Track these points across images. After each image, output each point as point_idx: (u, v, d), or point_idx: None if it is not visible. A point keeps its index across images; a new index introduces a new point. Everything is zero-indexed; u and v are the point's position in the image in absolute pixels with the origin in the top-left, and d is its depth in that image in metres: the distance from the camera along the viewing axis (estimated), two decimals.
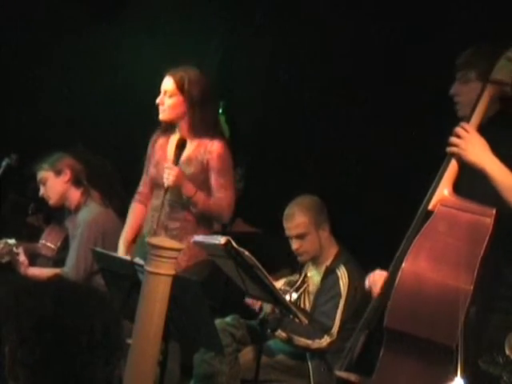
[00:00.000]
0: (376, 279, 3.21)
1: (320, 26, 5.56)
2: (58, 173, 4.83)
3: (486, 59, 3.17)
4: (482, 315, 3.05)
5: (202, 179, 4.35)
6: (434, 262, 2.95)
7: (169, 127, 4.45)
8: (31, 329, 1.72)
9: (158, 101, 4.37)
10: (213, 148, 4.33)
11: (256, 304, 4.58)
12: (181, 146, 4.25)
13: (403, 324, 2.94)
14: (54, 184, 4.84)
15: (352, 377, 3.12)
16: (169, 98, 4.34)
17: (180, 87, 4.31)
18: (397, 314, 2.95)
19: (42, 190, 4.89)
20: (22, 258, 4.87)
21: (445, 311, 2.85)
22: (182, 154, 4.26)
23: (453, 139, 3.10)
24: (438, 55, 4.81)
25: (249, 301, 4.53)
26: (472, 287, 2.87)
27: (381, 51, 5.26)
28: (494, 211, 2.99)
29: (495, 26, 4.40)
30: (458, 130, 3.11)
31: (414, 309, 2.94)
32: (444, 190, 3.09)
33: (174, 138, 4.41)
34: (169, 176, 4.20)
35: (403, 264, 2.97)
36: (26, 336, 1.72)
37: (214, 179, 4.35)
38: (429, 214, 3.07)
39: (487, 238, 2.94)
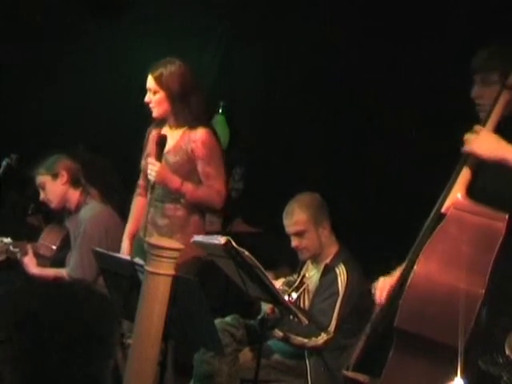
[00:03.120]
0: (381, 286, 3.22)
1: (320, 25, 5.57)
2: (55, 176, 4.84)
3: (508, 61, 3.16)
4: (491, 317, 3.04)
5: (187, 169, 4.38)
6: (446, 265, 2.95)
7: (161, 121, 4.52)
8: (13, 326, 1.74)
9: (146, 99, 4.44)
10: (196, 136, 4.37)
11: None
12: (161, 142, 4.30)
13: (413, 325, 2.94)
14: (53, 187, 4.85)
15: (360, 377, 3.12)
16: (153, 95, 4.41)
17: (160, 83, 4.38)
18: (407, 315, 2.96)
19: (41, 195, 4.90)
20: (31, 257, 4.89)
21: (455, 314, 2.84)
22: (163, 151, 4.30)
23: (467, 138, 3.09)
24: (437, 57, 4.82)
25: (269, 310, 4.48)
26: (483, 291, 2.87)
27: (379, 50, 5.25)
28: (507, 216, 2.98)
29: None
30: (471, 134, 3.10)
31: (424, 310, 2.94)
32: (457, 194, 3.09)
33: (167, 131, 4.46)
34: (151, 172, 4.27)
35: (415, 266, 2.97)
36: (10, 333, 1.73)
37: (201, 168, 4.38)
38: (441, 216, 3.07)
39: (499, 242, 2.94)
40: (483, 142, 3.06)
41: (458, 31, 4.74)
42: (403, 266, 3.15)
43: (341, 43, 5.45)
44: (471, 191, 3.12)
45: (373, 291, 3.29)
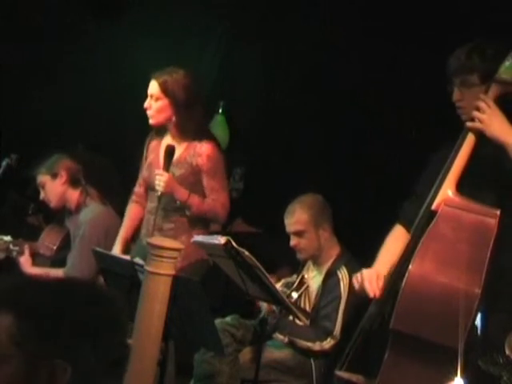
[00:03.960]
0: (370, 278, 3.17)
1: (320, 25, 5.57)
2: (55, 176, 4.87)
3: (488, 61, 3.13)
4: (486, 315, 3.03)
5: (192, 181, 4.37)
6: (441, 264, 2.93)
7: (161, 129, 4.48)
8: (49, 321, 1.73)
9: (145, 105, 4.40)
10: (202, 150, 4.35)
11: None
12: (169, 152, 4.27)
13: (410, 326, 2.92)
14: (52, 187, 4.88)
15: (353, 377, 3.11)
16: (155, 101, 4.36)
17: (164, 90, 4.33)
18: (403, 316, 2.93)
19: (42, 194, 4.94)
20: (27, 256, 4.90)
21: (452, 314, 2.82)
22: (171, 161, 4.27)
23: (476, 114, 3.05)
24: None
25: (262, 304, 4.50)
26: (480, 290, 2.86)
27: (380, 50, 5.25)
28: (498, 212, 2.97)
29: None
30: (480, 103, 3.05)
31: (420, 311, 2.92)
32: (448, 190, 3.07)
33: (167, 141, 4.44)
34: (160, 182, 4.24)
35: (410, 266, 2.95)
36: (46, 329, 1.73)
37: (205, 181, 4.37)
38: (432, 213, 3.06)
39: (493, 239, 2.93)
40: (493, 120, 3.02)
41: (459, 31, 4.73)
42: (396, 263, 3.13)
43: (341, 43, 5.45)
44: (462, 184, 3.10)
45: (354, 282, 3.24)
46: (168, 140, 4.44)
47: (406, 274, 2.95)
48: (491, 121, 3.03)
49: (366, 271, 3.18)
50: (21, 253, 4.94)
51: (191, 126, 4.35)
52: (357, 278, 3.19)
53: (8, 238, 4.97)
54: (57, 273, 4.82)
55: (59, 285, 1.84)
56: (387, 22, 5.20)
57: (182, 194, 4.31)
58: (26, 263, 4.90)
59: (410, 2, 5.15)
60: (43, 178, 4.89)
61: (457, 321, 2.79)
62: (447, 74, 3.23)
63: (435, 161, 3.26)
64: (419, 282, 2.94)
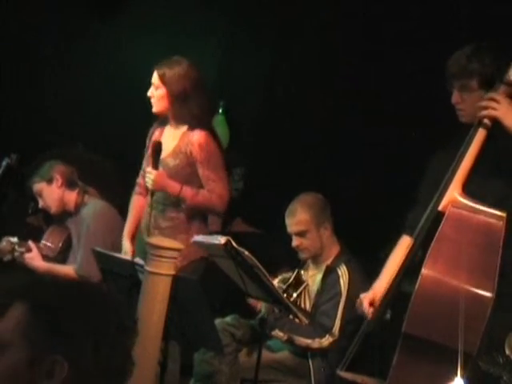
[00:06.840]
0: (365, 301, 3.19)
1: (321, 25, 5.57)
2: (50, 181, 4.88)
3: (487, 66, 3.13)
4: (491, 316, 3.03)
5: (189, 171, 4.37)
6: (453, 267, 2.92)
7: (164, 119, 4.51)
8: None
9: (148, 93, 4.45)
10: (193, 138, 4.36)
11: (258, 304, 4.57)
12: (157, 150, 4.30)
13: (422, 330, 2.91)
14: (49, 192, 4.89)
15: (358, 378, 3.11)
16: (156, 90, 4.42)
17: (162, 81, 4.39)
18: (416, 320, 2.93)
19: (40, 203, 4.95)
20: (35, 251, 4.90)
21: (466, 319, 2.81)
22: (159, 158, 4.30)
23: (490, 103, 3.05)
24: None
25: (253, 302, 4.51)
26: (493, 294, 2.85)
27: (380, 50, 5.26)
28: (505, 214, 2.97)
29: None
30: (494, 96, 3.05)
31: (433, 315, 2.91)
32: (454, 192, 3.07)
33: (168, 130, 4.46)
34: (148, 180, 4.27)
35: (422, 270, 2.94)
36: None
37: (201, 171, 4.37)
38: (438, 214, 3.05)
39: (501, 242, 2.93)
40: (508, 110, 3.01)
41: (460, 32, 4.74)
42: (400, 267, 3.13)
43: (342, 43, 5.45)
44: (467, 190, 3.09)
45: (356, 306, 3.26)
46: (168, 129, 4.47)
47: (419, 278, 2.93)
48: (508, 109, 3.01)
49: (364, 296, 3.21)
50: (27, 251, 4.93)
51: (186, 116, 4.38)
52: (358, 303, 3.22)
53: (14, 240, 4.97)
54: (67, 269, 4.81)
55: (75, 284, 1.87)
56: (388, 23, 5.20)
57: (173, 188, 4.31)
58: (36, 257, 4.90)
59: (411, 3, 5.16)
60: (39, 186, 4.90)
61: (470, 325, 2.78)
62: (446, 76, 3.23)
63: (434, 165, 3.26)
64: (432, 286, 2.93)
